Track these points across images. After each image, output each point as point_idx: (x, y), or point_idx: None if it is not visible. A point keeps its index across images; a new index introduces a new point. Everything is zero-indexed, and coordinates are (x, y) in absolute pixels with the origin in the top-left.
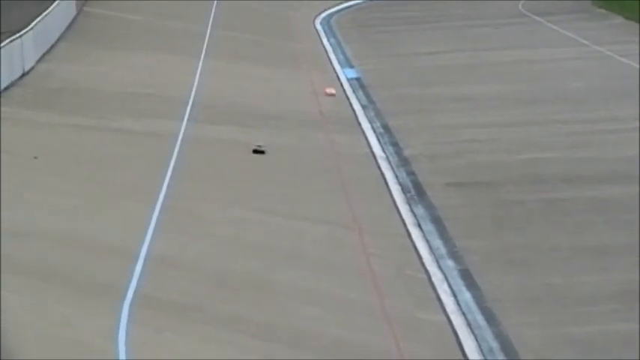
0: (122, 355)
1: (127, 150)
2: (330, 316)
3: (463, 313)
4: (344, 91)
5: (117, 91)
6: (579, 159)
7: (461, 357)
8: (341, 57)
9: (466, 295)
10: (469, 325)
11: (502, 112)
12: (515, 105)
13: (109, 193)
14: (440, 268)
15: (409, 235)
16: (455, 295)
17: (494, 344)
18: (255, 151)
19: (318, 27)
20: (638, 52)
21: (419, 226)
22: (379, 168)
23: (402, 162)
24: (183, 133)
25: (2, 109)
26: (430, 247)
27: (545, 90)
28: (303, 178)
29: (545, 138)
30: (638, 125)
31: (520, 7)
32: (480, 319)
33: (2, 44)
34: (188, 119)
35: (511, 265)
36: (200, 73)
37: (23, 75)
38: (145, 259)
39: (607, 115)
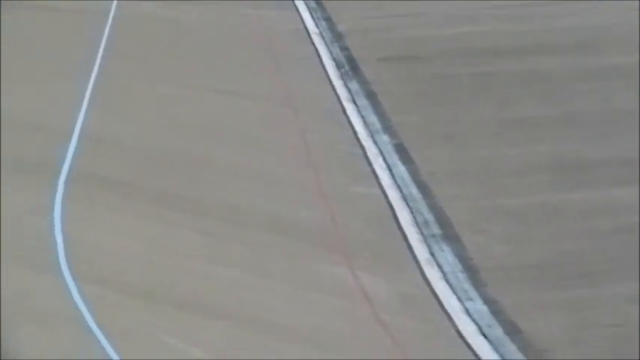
0: (57, 232)
1: (56, 28)
2: (265, 192)
3: (398, 187)
4: None
5: None
6: (509, 32)
7: (396, 229)
8: None
9: (401, 169)
10: (404, 198)
11: None
12: None
13: (39, 73)
14: (375, 142)
15: (344, 110)
16: (390, 169)
17: (429, 216)
18: None
19: None
20: None
21: (353, 101)
22: (313, 43)
23: (336, 37)
24: (114, 11)
25: None
26: (365, 122)
27: None
28: (235, 55)
29: (476, 11)
30: None
31: None
32: (414, 192)
33: None
34: None
35: (443, 138)
36: None
37: None
38: (78, 137)
39: None
